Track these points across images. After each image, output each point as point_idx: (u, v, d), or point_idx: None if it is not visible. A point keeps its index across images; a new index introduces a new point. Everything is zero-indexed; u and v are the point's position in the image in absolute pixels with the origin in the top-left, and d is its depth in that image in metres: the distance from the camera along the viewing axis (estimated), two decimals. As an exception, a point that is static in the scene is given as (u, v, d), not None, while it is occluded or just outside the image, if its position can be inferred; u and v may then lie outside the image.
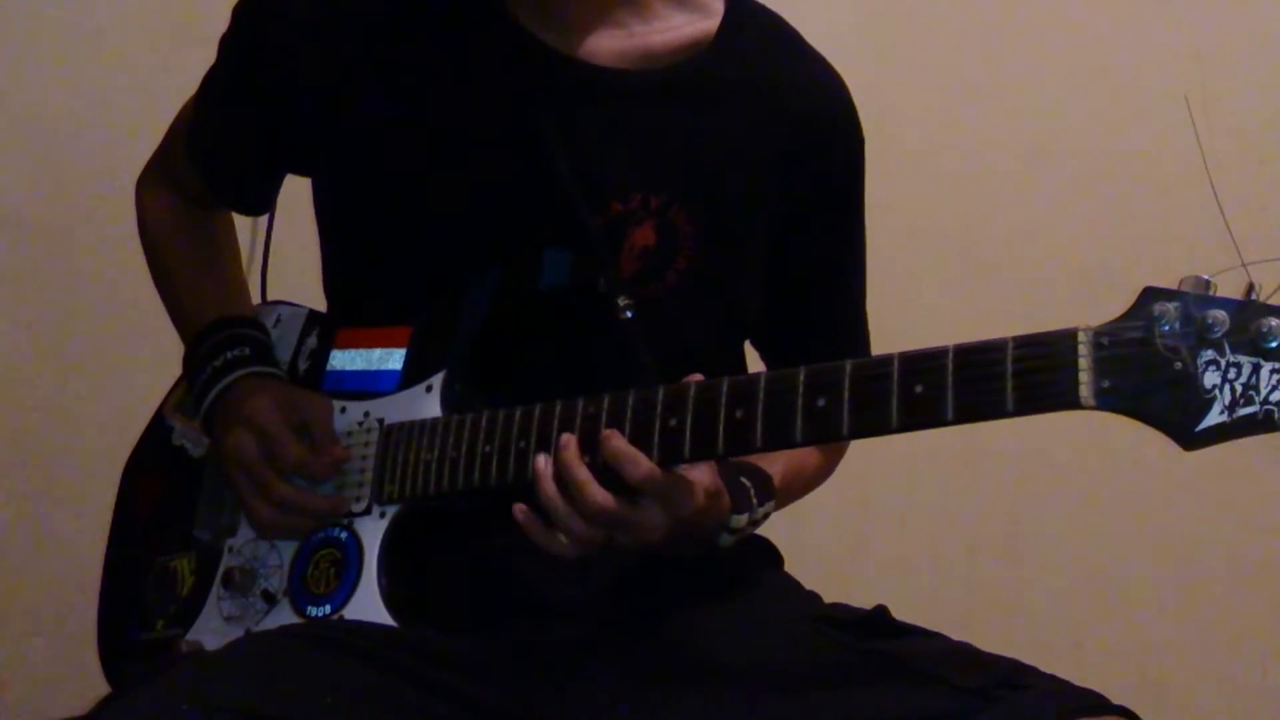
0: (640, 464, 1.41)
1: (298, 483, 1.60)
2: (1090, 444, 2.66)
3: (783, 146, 1.66)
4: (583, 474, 1.42)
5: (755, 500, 1.55)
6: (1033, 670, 1.43)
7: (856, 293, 1.79)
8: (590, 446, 1.43)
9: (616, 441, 1.41)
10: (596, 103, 1.61)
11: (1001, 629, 2.39)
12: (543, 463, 1.44)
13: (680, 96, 1.63)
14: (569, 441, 1.43)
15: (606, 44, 1.62)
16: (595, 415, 1.44)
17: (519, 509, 1.44)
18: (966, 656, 1.46)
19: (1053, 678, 1.42)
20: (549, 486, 1.43)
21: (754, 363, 1.79)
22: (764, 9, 1.72)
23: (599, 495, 1.41)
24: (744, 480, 1.54)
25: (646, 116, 1.62)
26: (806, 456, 1.72)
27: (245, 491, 1.61)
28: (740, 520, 1.52)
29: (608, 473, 1.42)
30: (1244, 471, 2.60)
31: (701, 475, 1.45)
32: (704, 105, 1.63)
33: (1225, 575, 2.76)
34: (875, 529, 2.80)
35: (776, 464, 1.62)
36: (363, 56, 1.62)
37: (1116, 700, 1.40)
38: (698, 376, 1.44)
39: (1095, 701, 1.39)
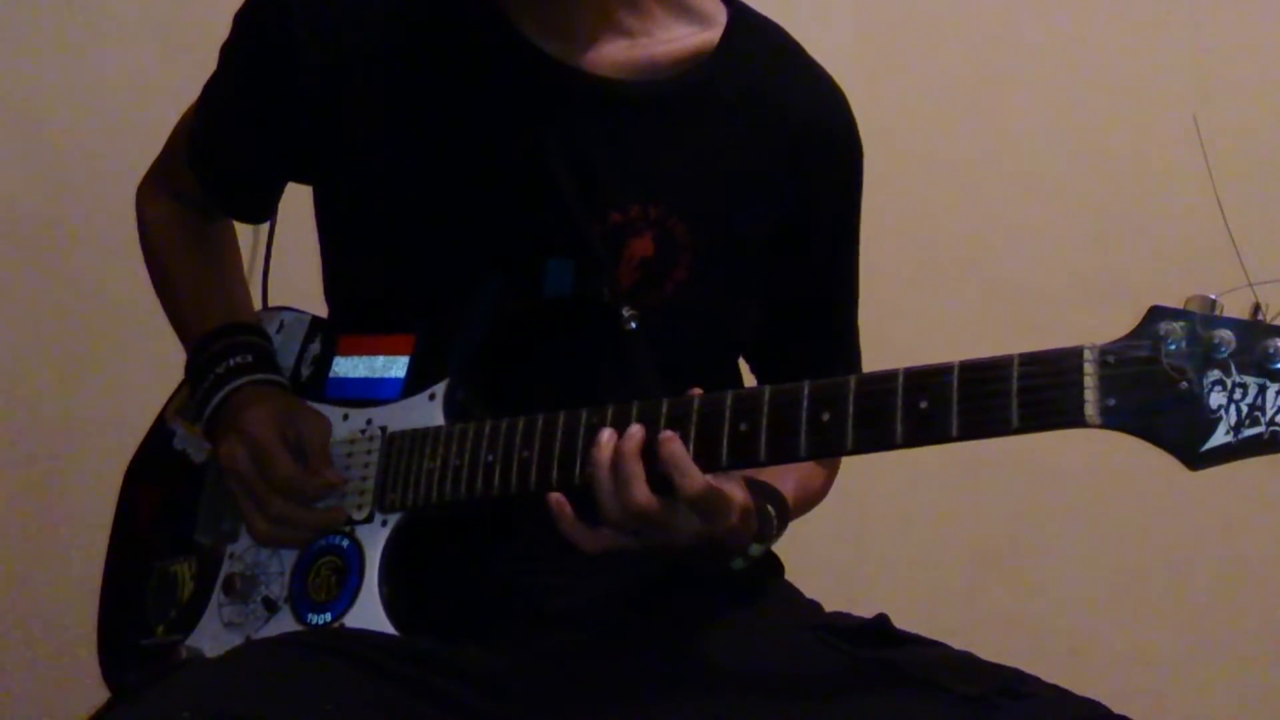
0: (694, 477, 1.40)
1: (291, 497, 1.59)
2: (1092, 454, 2.66)
3: (782, 158, 1.66)
4: (636, 468, 1.40)
5: (775, 530, 1.55)
6: (1034, 679, 1.43)
7: (849, 306, 1.79)
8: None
9: (675, 446, 1.40)
10: (597, 112, 1.61)
11: (1003, 638, 2.38)
12: (606, 436, 1.42)
13: (681, 107, 1.63)
14: (637, 433, 1.41)
15: (608, 54, 1.62)
16: (598, 425, 1.44)
17: (554, 497, 1.43)
18: (968, 665, 1.46)
19: (1054, 687, 1.42)
20: (603, 468, 1.41)
21: (747, 378, 1.79)
22: (766, 20, 1.72)
23: (643, 494, 1.40)
24: (769, 508, 1.54)
25: (646, 127, 1.62)
26: (812, 477, 1.71)
27: (242, 503, 1.60)
28: (758, 550, 1.51)
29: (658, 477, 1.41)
30: (1244, 483, 2.60)
31: (736, 491, 1.44)
32: (704, 116, 1.63)
33: (1226, 585, 2.76)
34: (876, 538, 2.80)
35: (789, 483, 1.62)
36: (364, 65, 1.62)
37: (1117, 710, 1.40)
38: (697, 391, 1.43)
39: (1096, 711, 1.39)
